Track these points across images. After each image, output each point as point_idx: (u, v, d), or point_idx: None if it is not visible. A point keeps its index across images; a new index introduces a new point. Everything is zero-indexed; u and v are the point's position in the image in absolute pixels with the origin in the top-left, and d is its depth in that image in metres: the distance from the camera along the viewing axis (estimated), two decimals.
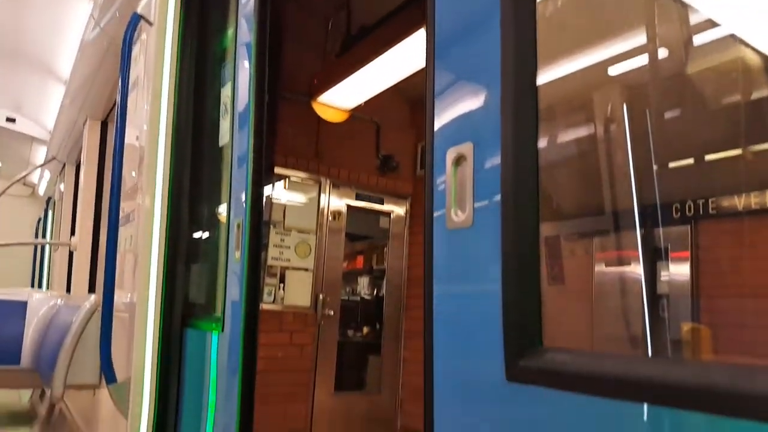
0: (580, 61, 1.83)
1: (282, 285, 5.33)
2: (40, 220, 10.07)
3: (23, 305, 3.58)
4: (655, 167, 1.91)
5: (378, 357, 5.95)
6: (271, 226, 5.31)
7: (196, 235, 2.43)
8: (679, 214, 2.10)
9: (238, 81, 2.05)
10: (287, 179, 5.46)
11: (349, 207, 5.81)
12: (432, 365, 1.04)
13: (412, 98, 6.22)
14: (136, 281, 2.25)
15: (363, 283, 7.25)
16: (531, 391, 0.85)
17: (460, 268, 1.01)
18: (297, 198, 5.55)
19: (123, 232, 2.77)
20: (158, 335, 2.14)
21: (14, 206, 9.94)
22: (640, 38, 1.84)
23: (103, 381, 2.56)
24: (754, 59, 1.59)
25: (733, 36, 1.61)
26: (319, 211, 5.61)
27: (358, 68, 4.53)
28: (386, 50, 4.15)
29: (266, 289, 5.24)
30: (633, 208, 1.91)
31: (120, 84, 2.55)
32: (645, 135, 1.88)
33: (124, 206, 2.78)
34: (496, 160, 0.92)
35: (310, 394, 5.37)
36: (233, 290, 1.88)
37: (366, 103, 5.24)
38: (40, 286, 8.34)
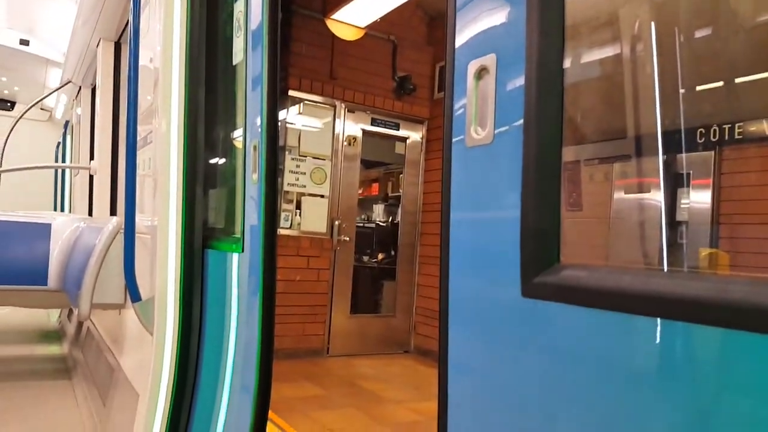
0: None
1: (298, 211, 5.37)
2: (59, 144, 10.11)
3: (47, 227, 3.63)
4: (681, 90, 1.84)
5: (393, 282, 6.07)
6: (287, 152, 5.30)
7: (214, 157, 2.43)
8: (703, 139, 2.04)
9: None
10: (301, 103, 5.38)
11: (364, 132, 5.76)
12: (448, 281, 1.04)
13: (430, 12, 5.98)
14: (157, 203, 2.27)
15: (378, 210, 7.30)
16: (547, 306, 0.85)
17: (479, 186, 1.00)
18: (312, 123, 5.49)
19: (141, 155, 2.77)
20: (180, 255, 2.18)
21: (33, 131, 10.00)
22: None
23: (128, 300, 2.63)
24: None
25: None
26: (334, 137, 5.57)
27: None
28: None
29: (283, 215, 5.29)
30: (656, 133, 1.86)
31: (132, 2, 2.48)
32: (673, 55, 1.80)
33: (141, 129, 2.78)
34: (519, 73, 0.90)
35: (327, 316, 5.54)
36: (251, 212, 1.90)
37: (382, 19, 5.03)
38: (62, 209, 8.49)
